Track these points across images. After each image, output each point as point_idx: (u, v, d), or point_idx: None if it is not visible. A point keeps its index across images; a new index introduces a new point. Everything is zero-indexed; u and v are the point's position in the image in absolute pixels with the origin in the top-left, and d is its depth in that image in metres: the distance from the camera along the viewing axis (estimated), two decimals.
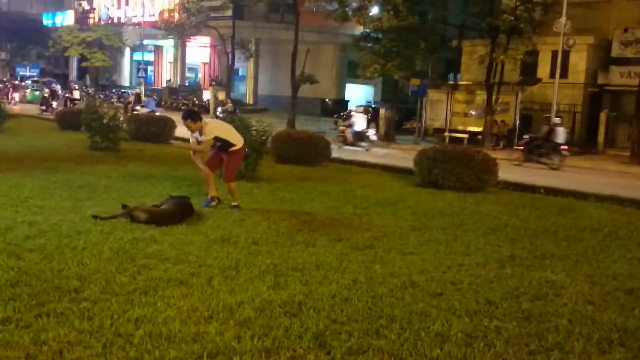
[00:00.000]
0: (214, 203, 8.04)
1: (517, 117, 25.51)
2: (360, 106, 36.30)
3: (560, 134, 18.39)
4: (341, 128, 22.37)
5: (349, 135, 20.93)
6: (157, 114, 21.01)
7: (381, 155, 19.27)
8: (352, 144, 20.45)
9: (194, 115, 7.98)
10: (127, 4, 48.29)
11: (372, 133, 21.59)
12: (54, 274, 4.81)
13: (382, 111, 28.72)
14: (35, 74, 48.99)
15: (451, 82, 30.61)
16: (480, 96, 26.12)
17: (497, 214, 8.95)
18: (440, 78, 33.48)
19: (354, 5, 27.28)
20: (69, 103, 29.06)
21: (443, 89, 28.57)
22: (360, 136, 20.95)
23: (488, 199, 10.43)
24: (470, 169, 11.12)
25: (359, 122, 21.50)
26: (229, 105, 29.10)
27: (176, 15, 38.91)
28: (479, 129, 25.42)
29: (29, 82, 44.20)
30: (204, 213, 7.60)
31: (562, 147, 18.06)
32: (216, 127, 8.05)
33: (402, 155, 18.75)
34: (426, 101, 27.78)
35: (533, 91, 26.81)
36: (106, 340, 3.66)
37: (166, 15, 40.06)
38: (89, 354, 3.48)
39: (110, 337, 3.70)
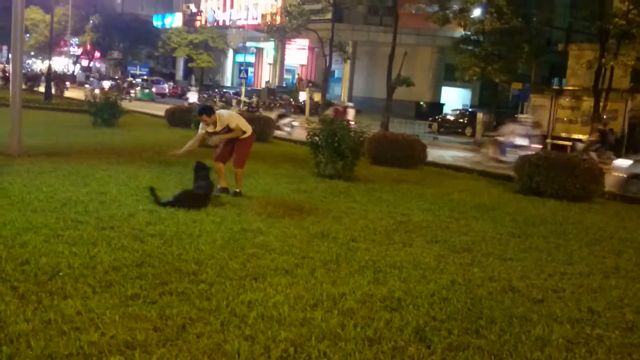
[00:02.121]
0: (222, 193, 8.39)
1: (626, 126, 24.16)
2: (457, 110, 35.81)
3: (351, 113, 22.81)
4: None
5: None
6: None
7: (476, 160, 18.90)
8: None
9: (208, 110, 8.54)
10: (232, 7, 50.29)
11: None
12: (174, 257, 5.26)
13: (479, 115, 28.15)
14: (144, 72, 52.14)
15: (555, 86, 29.44)
16: (587, 103, 24.95)
17: (602, 224, 8.65)
18: (544, 82, 32.32)
19: (455, 7, 26.93)
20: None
21: (546, 93, 27.52)
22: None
23: (593, 209, 10.07)
24: (575, 177, 10.75)
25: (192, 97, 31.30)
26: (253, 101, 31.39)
27: (278, 19, 40.08)
28: (584, 137, 24.32)
29: (139, 80, 47.10)
30: (304, 208, 7.93)
31: (351, 122, 20.60)
32: (235, 117, 8.58)
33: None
34: (528, 106, 26.92)
35: None
36: (224, 319, 4.00)
37: (268, 18, 41.40)
38: (209, 330, 3.83)
39: (227, 316, 4.04)
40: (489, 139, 18.19)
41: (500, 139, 17.13)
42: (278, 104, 36.13)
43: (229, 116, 8.56)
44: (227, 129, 8.41)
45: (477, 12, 25.96)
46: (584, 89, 25.72)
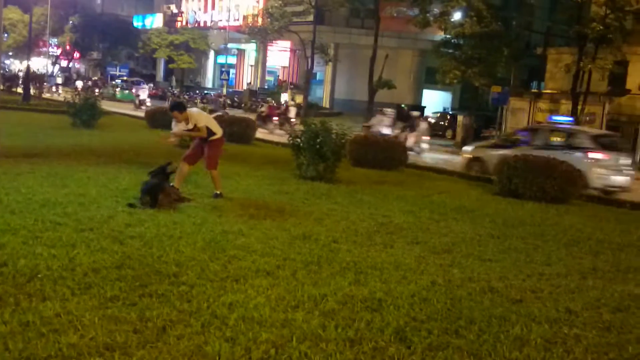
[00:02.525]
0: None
1: (604, 128, 24.56)
2: (437, 112, 36.08)
3: (292, 111, 26.25)
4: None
5: None
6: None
7: (457, 162, 19.09)
8: None
9: (180, 106, 8.57)
10: (213, 8, 50.11)
11: None
12: (154, 259, 5.23)
13: (459, 118, 28.42)
14: (124, 73, 51.64)
15: (534, 90, 29.84)
16: (565, 106, 25.36)
17: (580, 226, 8.79)
18: (523, 86, 32.72)
19: (436, 11, 27.18)
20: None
21: (525, 97, 27.92)
22: None
23: (571, 211, 10.22)
24: (553, 179, 10.91)
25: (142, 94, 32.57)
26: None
27: (259, 20, 40.04)
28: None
29: (118, 81, 46.63)
30: (286, 210, 7.93)
31: (292, 119, 24.93)
32: (204, 117, 8.59)
33: None
34: (507, 109, 27.24)
35: (621, 102, 25.77)
36: (204, 321, 3.98)
37: (250, 19, 41.33)
38: (190, 332, 3.81)
39: (207, 318, 4.03)
40: (364, 128, 21.07)
41: (371, 128, 20.40)
42: (205, 101, 36.56)
43: (199, 114, 8.55)
44: (195, 128, 8.39)
45: (457, 16, 26.22)
46: (562, 92, 26.14)
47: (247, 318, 4.08)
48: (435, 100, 42.90)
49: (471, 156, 15.71)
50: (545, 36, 33.10)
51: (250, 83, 48.89)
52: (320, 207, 8.44)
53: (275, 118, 25.41)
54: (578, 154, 13.41)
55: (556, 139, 14.53)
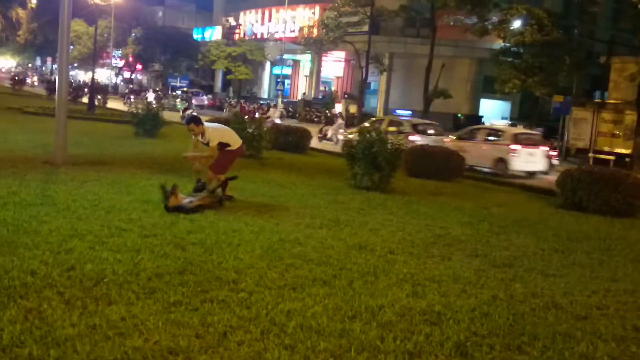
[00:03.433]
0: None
1: None
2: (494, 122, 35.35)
3: (275, 113, 30.48)
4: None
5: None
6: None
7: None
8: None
9: (196, 120, 8.60)
10: (270, 20, 50.92)
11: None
12: (214, 265, 5.33)
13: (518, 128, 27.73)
14: (184, 84, 53.05)
15: (598, 100, 28.84)
16: (630, 116, 24.35)
17: None
18: (586, 95, 31.70)
19: (495, 19, 26.74)
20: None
21: (588, 107, 26.99)
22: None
23: (637, 225, 9.79)
24: (618, 193, 10.48)
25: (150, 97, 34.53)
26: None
27: (315, 31, 40.39)
28: (628, 151, 23.72)
29: (179, 92, 47.93)
30: (341, 220, 7.93)
31: (276, 121, 27.34)
32: (218, 133, 8.55)
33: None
34: (569, 119, 26.41)
35: None
36: (263, 328, 4.03)
37: (305, 31, 41.72)
38: (249, 338, 3.86)
39: (266, 325, 4.07)
40: (263, 119, 25.66)
41: (268, 119, 26.51)
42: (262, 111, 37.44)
43: (213, 131, 8.53)
44: (208, 144, 8.46)
45: (517, 24, 25.70)
46: (626, 102, 25.13)
47: (305, 326, 4.10)
48: (493, 110, 42.07)
49: (344, 139, 17.69)
50: (609, 45, 31.99)
51: (304, 93, 49.31)
52: (376, 218, 8.40)
53: (246, 117, 26.58)
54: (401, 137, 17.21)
55: (392, 127, 19.48)
